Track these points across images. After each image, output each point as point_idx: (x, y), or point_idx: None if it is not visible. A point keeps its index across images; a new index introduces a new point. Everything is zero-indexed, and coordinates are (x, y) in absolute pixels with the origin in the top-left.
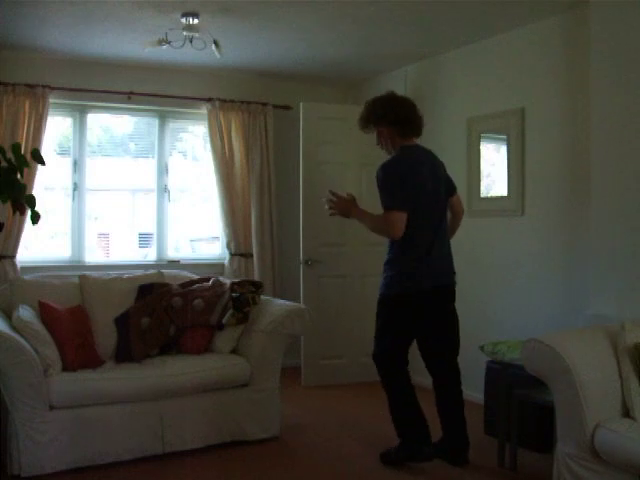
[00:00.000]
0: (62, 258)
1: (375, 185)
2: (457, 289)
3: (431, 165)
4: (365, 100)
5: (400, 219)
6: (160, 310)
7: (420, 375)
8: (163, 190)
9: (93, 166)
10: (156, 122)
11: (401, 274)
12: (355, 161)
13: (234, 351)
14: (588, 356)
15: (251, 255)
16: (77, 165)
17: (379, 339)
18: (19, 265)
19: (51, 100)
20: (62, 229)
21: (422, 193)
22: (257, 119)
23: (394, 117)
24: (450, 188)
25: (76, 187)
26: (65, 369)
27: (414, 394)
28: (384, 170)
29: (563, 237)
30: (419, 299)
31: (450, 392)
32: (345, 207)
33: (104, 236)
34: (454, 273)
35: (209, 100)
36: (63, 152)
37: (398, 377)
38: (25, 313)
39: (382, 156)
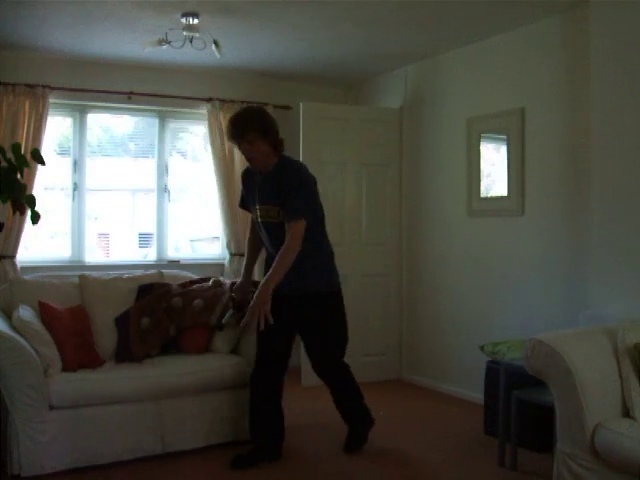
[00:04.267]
0: (62, 258)
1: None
2: (456, 288)
3: None
4: (364, 100)
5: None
6: (160, 310)
7: (417, 374)
8: (163, 190)
9: (93, 166)
10: (156, 122)
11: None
12: (355, 161)
13: (234, 351)
14: (588, 356)
15: None
16: (77, 165)
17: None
18: (19, 265)
19: (51, 100)
20: (62, 229)
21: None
22: None
23: (275, 132)
24: None
25: (76, 187)
26: (65, 369)
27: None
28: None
29: (563, 237)
30: None
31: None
32: (258, 306)
33: (104, 236)
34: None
35: (209, 100)
36: (63, 152)
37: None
38: (25, 313)
39: (382, 156)
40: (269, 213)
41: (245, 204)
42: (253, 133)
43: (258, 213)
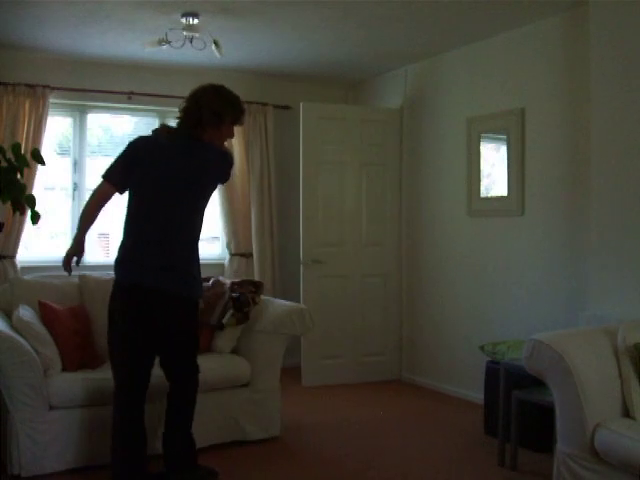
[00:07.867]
0: (62, 258)
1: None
2: (456, 288)
3: (181, 154)
4: (364, 100)
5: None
6: None
7: (417, 374)
8: None
9: (93, 166)
10: (156, 122)
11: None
12: (355, 161)
13: (234, 351)
14: (588, 356)
15: (251, 255)
16: (77, 165)
17: None
18: (19, 265)
19: (51, 100)
20: (62, 229)
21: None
22: (257, 119)
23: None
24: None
25: (76, 187)
26: (65, 369)
27: None
28: None
29: (563, 237)
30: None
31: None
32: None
33: (104, 236)
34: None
35: None
36: (63, 152)
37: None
38: (25, 313)
39: (382, 156)
40: None
41: None
42: None
43: None
